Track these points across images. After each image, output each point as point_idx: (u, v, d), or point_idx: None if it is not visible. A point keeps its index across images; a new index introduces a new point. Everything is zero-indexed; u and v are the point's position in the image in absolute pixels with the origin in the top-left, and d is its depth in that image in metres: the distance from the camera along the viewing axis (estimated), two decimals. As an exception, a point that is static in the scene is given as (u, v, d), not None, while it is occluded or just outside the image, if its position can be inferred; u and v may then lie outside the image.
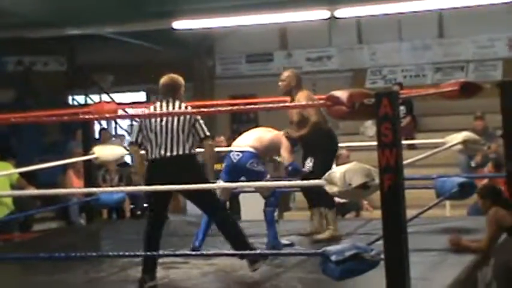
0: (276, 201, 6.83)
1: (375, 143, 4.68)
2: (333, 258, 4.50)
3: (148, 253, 5.65)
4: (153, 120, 5.67)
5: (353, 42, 14.84)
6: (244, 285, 5.55)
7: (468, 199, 7.49)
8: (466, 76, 13.62)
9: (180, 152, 5.65)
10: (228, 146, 11.84)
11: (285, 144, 6.92)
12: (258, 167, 6.78)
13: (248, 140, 6.96)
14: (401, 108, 12.96)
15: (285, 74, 6.94)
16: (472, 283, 5.56)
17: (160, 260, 6.38)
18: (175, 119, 5.64)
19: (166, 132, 5.66)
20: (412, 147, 10.89)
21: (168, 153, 5.63)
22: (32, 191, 9.38)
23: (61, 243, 7.59)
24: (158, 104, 5.81)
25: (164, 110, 5.71)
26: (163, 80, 5.88)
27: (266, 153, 6.97)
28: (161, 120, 5.66)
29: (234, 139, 14.71)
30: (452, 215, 8.66)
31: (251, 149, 6.82)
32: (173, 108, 5.74)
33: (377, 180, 4.70)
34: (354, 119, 5.75)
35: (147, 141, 5.70)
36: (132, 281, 5.90)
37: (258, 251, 6.60)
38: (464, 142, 7.31)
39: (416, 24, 14.16)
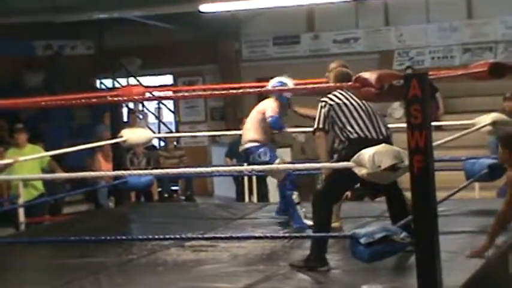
0: (292, 184, 6.92)
1: (402, 125, 4.65)
2: (363, 240, 4.49)
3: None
4: (348, 101, 5.70)
5: (380, 23, 14.75)
6: (272, 269, 5.55)
7: (498, 181, 7.43)
8: (495, 57, 13.48)
9: (387, 134, 5.74)
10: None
11: (270, 107, 7.07)
12: (262, 158, 6.97)
13: (247, 135, 7.15)
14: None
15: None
16: (503, 265, 5.53)
17: (188, 244, 6.43)
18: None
19: (369, 114, 5.70)
20: (439, 128, 10.81)
21: (381, 135, 5.65)
22: (62, 174, 9.47)
23: (91, 226, 7.65)
24: (338, 92, 5.80)
25: (351, 95, 5.73)
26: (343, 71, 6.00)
27: (266, 135, 7.05)
28: (359, 102, 5.70)
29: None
30: (482, 197, 8.60)
31: (250, 144, 7.04)
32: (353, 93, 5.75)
33: (406, 162, 4.68)
34: (382, 100, 5.73)
35: (351, 120, 5.67)
36: (161, 263, 5.94)
37: (287, 234, 6.65)
38: (494, 123, 7.25)
39: (444, 5, 14.04)
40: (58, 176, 9.73)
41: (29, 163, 9.21)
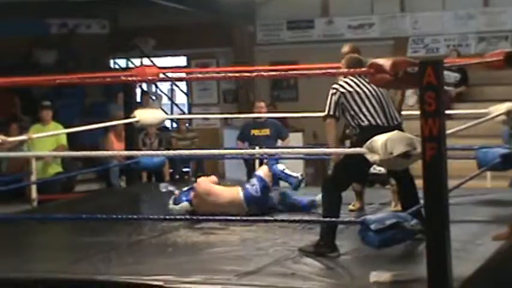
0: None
1: (416, 112, 4.64)
2: (373, 226, 4.50)
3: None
4: (359, 89, 5.67)
5: (395, 10, 14.68)
6: (282, 253, 5.56)
7: (510, 171, 7.42)
8: (510, 46, 13.41)
9: (399, 121, 5.73)
10: (268, 112, 11.89)
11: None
12: None
13: None
14: (457, 75, 12.90)
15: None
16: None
17: (198, 226, 6.45)
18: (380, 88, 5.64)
19: (381, 101, 5.67)
20: (452, 117, 10.74)
21: (393, 122, 5.64)
22: (74, 153, 9.52)
23: (102, 205, 7.68)
24: (350, 78, 5.76)
25: (362, 82, 5.70)
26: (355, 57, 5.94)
27: None
28: (370, 89, 5.66)
29: (273, 106, 14.74)
30: (494, 187, 8.58)
31: None
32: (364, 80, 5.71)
33: (419, 150, 4.67)
34: (396, 87, 5.72)
35: (362, 107, 5.64)
36: (171, 244, 5.96)
37: (292, 219, 6.65)
38: (508, 113, 7.22)
39: (461, -8, 14.01)
40: (71, 154, 9.77)
41: (50, 140, 9.26)
